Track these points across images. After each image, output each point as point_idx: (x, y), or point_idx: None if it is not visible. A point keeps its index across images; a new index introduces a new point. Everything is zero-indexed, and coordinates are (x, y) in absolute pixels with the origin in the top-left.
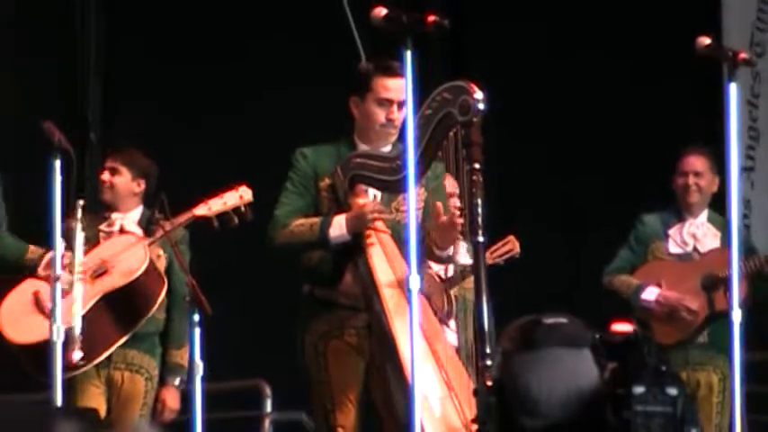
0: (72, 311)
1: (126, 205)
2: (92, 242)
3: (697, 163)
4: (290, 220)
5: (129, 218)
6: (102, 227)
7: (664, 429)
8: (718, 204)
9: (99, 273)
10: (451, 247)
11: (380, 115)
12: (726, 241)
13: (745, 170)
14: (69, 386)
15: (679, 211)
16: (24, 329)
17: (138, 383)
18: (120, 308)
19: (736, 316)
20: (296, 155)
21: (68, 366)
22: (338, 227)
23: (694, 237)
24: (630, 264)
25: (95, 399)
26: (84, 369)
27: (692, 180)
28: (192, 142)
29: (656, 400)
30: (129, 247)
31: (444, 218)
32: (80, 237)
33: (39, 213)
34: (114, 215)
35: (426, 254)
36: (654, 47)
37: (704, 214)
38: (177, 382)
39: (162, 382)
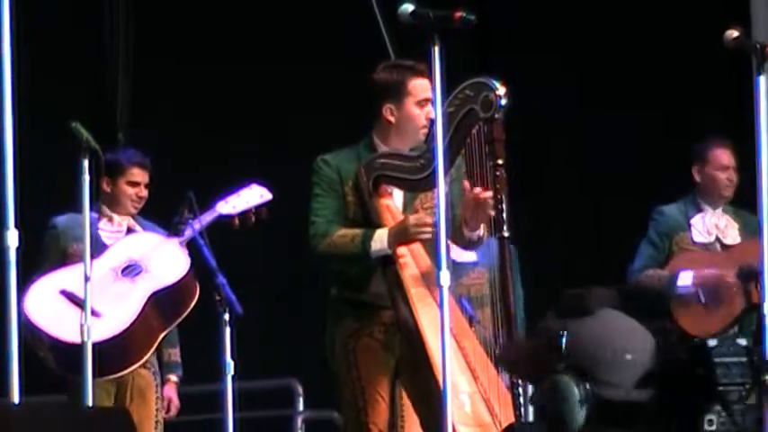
0: (124, 310)
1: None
2: (92, 241)
3: (733, 158)
4: (332, 227)
5: (126, 220)
6: (103, 225)
7: (742, 376)
8: (749, 199)
9: (136, 272)
10: (481, 228)
11: (422, 117)
12: (746, 232)
13: None
14: (78, 388)
15: (697, 202)
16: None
17: (147, 377)
18: (164, 305)
19: None
20: (317, 162)
21: None
22: (379, 241)
23: (717, 227)
24: (654, 260)
25: (103, 401)
26: (137, 366)
27: (733, 175)
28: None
29: (729, 351)
30: (159, 246)
31: (472, 194)
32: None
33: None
34: (116, 217)
35: (455, 237)
36: (681, 37)
37: (721, 206)
38: (176, 378)
39: (162, 380)
